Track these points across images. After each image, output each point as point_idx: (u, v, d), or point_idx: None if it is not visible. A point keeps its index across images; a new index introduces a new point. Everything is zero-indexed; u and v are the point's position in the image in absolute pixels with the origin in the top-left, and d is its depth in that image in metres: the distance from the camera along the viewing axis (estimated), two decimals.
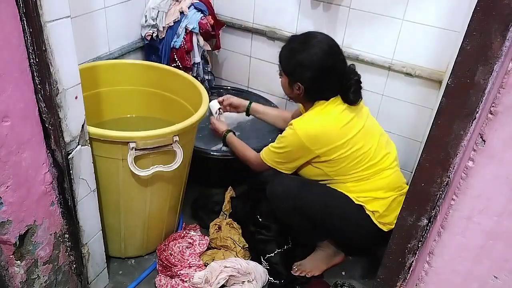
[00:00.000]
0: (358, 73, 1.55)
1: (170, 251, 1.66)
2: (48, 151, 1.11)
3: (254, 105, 1.98)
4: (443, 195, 0.81)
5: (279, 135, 1.58)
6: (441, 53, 1.77)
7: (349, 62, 1.96)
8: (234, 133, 1.86)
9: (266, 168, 1.65)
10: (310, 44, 1.50)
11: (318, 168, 1.57)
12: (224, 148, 1.92)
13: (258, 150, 1.70)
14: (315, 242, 1.77)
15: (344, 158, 1.51)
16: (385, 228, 1.56)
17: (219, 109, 1.96)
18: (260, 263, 1.69)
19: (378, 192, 1.56)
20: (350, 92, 1.50)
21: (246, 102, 1.98)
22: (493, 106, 0.65)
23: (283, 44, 2.05)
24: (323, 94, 1.53)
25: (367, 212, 1.54)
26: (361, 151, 1.52)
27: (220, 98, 1.99)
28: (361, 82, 1.53)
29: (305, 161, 1.57)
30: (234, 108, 1.99)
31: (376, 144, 1.55)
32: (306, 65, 1.49)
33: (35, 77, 1.00)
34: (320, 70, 1.49)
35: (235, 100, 1.98)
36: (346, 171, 1.55)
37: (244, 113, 1.99)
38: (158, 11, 1.97)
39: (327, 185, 1.60)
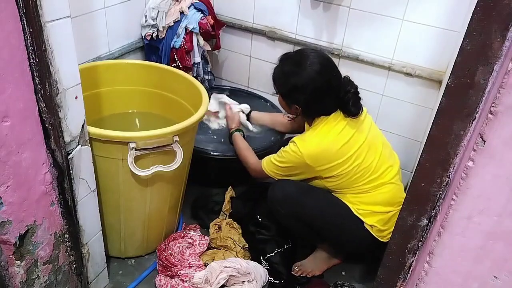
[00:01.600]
0: (354, 83, 1.53)
1: (170, 251, 1.66)
2: (48, 151, 1.11)
3: (253, 113, 2.00)
4: (443, 195, 0.81)
5: (282, 148, 1.58)
6: (441, 53, 1.77)
7: (349, 62, 1.99)
8: (243, 134, 1.87)
9: (265, 176, 1.66)
10: (303, 67, 1.48)
11: (320, 182, 1.57)
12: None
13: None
14: (314, 244, 1.78)
15: (345, 174, 1.51)
16: (384, 239, 1.56)
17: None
18: (260, 263, 1.69)
19: (378, 207, 1.55)
20: (350, 105, 1.49)
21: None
22: (493, 106, 0.65)
23: (283, 44, 2.05)
24: (322, 112, 1.52)
25: (366, 226, 1.55)
26: (362, 166, 1.51)
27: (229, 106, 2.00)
28: (358, 93, 1.52)
29: (307, 177, 1.57)
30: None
31: (378, 158, 1.54)
32: (300, 88, 1.48)
33: (35, 77, 1.00)
34: (314, 91, 1.48)
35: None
36: (346, 185, 1.54)
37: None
38: (158, 11, 1.97)
39: (328, 192, 1.59)
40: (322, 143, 1.49)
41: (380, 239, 1.56)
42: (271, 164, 1.61)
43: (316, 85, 1.47)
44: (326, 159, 1.49)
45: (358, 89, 1.52)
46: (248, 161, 1.74)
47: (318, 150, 1.49)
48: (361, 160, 1.51)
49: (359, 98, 1.52)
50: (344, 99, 1.49)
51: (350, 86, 1.51)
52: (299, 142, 1.51)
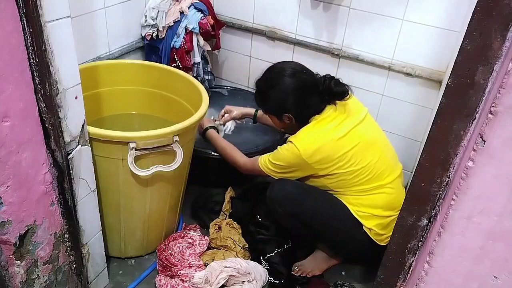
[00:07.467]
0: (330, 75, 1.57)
1: (170, 251, 1.66)
2: (48, 151, 1.11)
3: (260, 112, 1.98)
4: (443, 195, 0.81)
5: (279, 146, 1.58)
6: (441, 53, 1.77)
7: (349, 62, 1.99)
8: (217, 131, 1.89)
9: (260, 174, 1.65)
10: (273, 77, 1.56)
11: (319, 180, 1.57)
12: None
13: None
14: (313, 244, 1.78)
15: (343, 172, 1.51)
16: (382, 243, 1.55)
17: (214, 120, 1.98)
18: (260, 263, 1.69)
19: (378, 210, 1.54)
20: (333, 88, 1.50)
21: (250, 111, 1.99)
22: (493, 106, 0.65)
23: (283, 44, 2.05)
24: (313, 111, 1.54)
25: (364, 228, 1.54)
26: (360, 164, 1.51)
27: (222, 112, 2.00)
28: (334, 77, 1.54)
29: (304, 175, 1.57)
30: (238, 119, 2.03)
31: (378, 157, 1.54)
32: (282, 96, 1.53)
33: (35, 77, 1.00)
34: (295, 92, 1.52)
35: (237, 113, 1.99)
36: (346, 184, 1.54)
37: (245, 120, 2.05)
38: (158, 11, 1.98)
39: (328, 193, 1.59)
40: (318, 137, 1.50)
41: (378, 242, 1.55)
42: (267, 162, 1.61)
43: (293, 85, 1.52)
44: (323, 154, 1.49)
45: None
46: (239, 162, 1.73)
47: (315, 145, 1.49)
48: (360, 158, 1.51)
49: (338, 80, 1.54)
50: (326, 87, 1.51)
51: (324, 76, 1.55)
52: (295, 140, 1.52)
